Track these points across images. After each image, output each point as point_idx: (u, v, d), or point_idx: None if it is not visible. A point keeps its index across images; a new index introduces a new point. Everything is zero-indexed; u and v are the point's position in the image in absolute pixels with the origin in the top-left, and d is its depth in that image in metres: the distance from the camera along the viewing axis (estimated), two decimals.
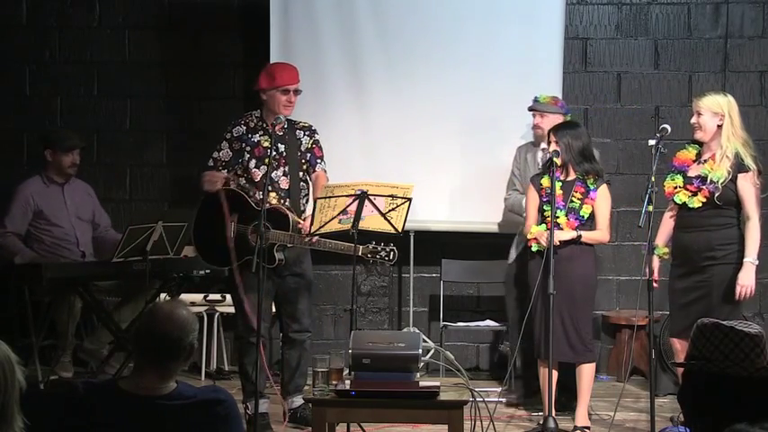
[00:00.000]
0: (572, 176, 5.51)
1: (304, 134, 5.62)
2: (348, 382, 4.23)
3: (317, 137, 5.66)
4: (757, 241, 5.15)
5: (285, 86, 5.51)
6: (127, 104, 7.37)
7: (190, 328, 2.81)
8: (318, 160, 5.61)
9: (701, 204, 5.18)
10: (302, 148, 5.58)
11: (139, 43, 7.36)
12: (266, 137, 5.50)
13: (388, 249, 5.21)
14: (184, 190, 7.34)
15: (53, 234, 6.32)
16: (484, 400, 4.45)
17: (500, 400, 6.00)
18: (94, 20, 7.37)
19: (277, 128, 5.48)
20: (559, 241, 5.36)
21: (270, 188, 5.36)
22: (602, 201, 5.49)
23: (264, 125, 5.54)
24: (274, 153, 5.43)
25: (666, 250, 5.39)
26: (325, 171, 5.61)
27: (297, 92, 5.57)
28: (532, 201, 5.56)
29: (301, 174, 5.57)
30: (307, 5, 6.89)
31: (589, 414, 5.58)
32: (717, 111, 5.20)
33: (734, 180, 5.14)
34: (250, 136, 5.55)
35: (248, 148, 5.53)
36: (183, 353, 2.80)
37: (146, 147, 7.38)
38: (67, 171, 6.40)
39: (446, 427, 4.17)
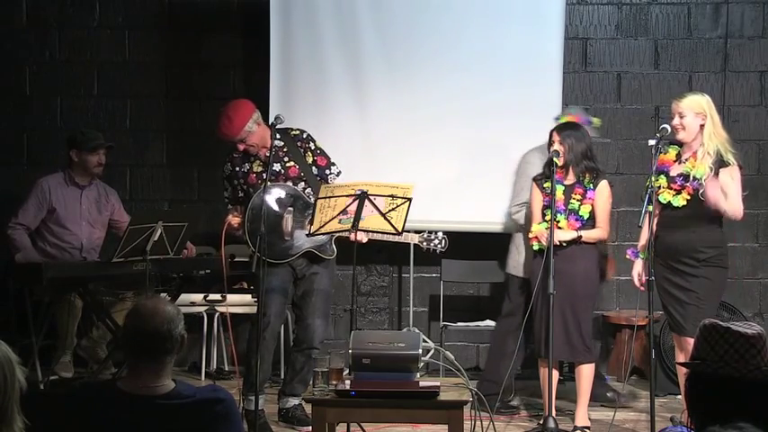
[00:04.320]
0: (572, 180, 5.51)
1: (296, 144, 5.60)
2: (348, 382, 4.23)
3: (313, 146, 5.62)
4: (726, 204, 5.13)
5: (224, 140, 5.55)
6: (127, 104, 7.38)
7: (177, 319, 2.83)
8: (327, 170, 5.61)
9: (685, 202, 5.19)
10: (308, 161, 5.60)
11: (139, 43, 7.36)
12: (257, 161, 5.54)
13: (440, 237, 5.51)
14: (184, 190, 7.36)
15: (60, 236, 6.31)
16: (484, 400, 4.45)
17: (500, 400, 6.00)
18: (94, 20, 7.37)
19: (263, 151, 5.48)
20: (560, 241, 5.37)
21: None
22: (600, 198, 5.49)
23: (252, 153, 5.56)
24: (268, 174, 5.40)
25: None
26: (339, 174, 5.62)
27: (242, 141, 5.49)
28: (537, 201, 5.56)
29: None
30: (307, 5, 6.89)
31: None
32: (699, 111, 5.21)
33: (716, 175, 5.15)
34: (237, 169, 5.58)
35: (242, 181, 5.57)
36: (175, 345, 2.81)
37: (146, 147, 7.38)
38: (93, 171, 6.38)
39: (446, 427, 4.17)
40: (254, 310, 6.07)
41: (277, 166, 5.53)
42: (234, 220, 5.55)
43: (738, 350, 2.40)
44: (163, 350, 2.79)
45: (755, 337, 2.41)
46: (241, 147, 5.52)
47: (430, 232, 5.52)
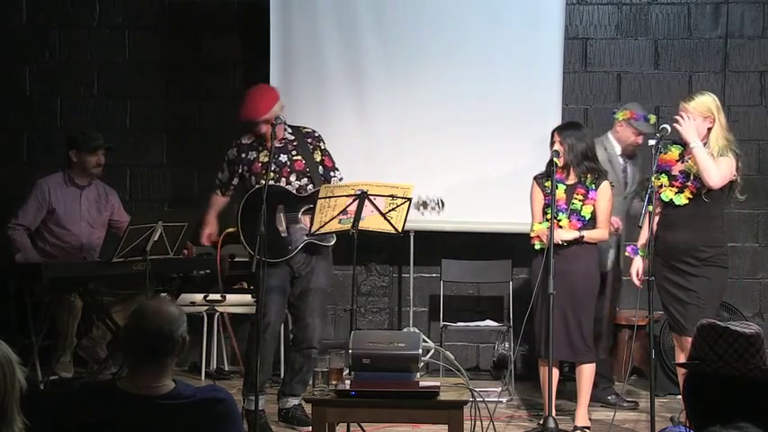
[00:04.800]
0: (573, 179, 5.51)
1: (306, 140, 5.64)
2: (348, 382, 4.24)
3: (323, 145, 5.67)
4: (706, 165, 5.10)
5: (251, 119, 5.52)
6: (127, 104, 7.37)
7: (179, 321, 2.82)
8: (332, 172, 5.64)
9: (687, 201, 5.18)
10: (317, 158, 5.62)
11: (139, 43, 7.36)
12: (265, 152, 5.54)
13: (436, 199, 5.43)
14: (184, 190, 7.36)
15: (60, 236, 6.31)
16: (484, 400, 4.45)
17: (500, 399, 6.00)
18: (94, 20, 7.37)
19: (275, 141, 5.50)
20: (562, 241, 5.37)
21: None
22: (601, 199, 5.50)
23: (262, 141, 5.56)
24: (274, 166, 5.47)
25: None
26: (341, 180, 5.64)
27: (267, 121, 5.49)
28: (537, 200, 5.56)
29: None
30: (307, 5, 6.89)
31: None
32: (707, 115, 5.17)
33: None
34: (243, 156, 5.59)
35: (246, 167, 5.58)
36: (176, 346, 2.80)
37: (146, 147, 7.37)
38: (92, 171, 6.38)
39: (446, 427, 4.17)
40: (254, 309, 6.07)
41: (284, 158, 5.56)
42: (207, 239, 5.61)
43: (738, 350, 2.40)
44: (163, 351, 2.79)
45: (754, 336, 2.42)
46: (264, 128, 5.48)
47: (425, 200, 5.49)
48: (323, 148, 5.66)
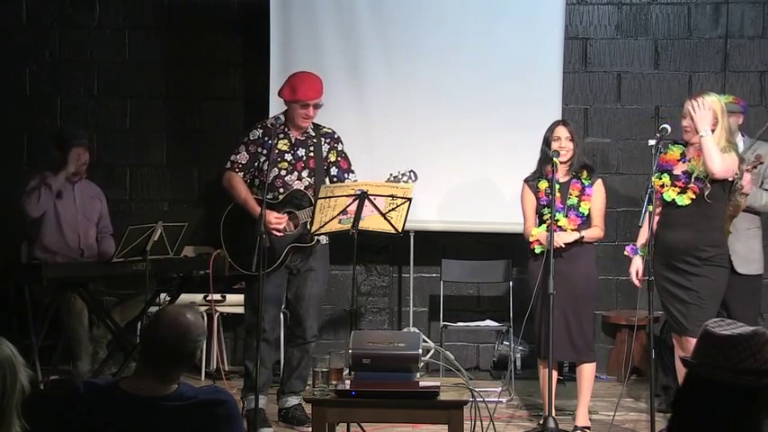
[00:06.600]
0: (565, 177, 5.52)
1: (325, 141, 5.66)
2: (348, 382, 4.24)
3: (340, 147, 5.69)
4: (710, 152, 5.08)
5: (305, 101, 5.54)
6: (127, 104, 7.38)
7: (191, 336, 2.79)
8: (347, 174, 5.65)
9: (689, 201, 5.18)
10: (323, 155, 5.64)
11: (139, 43, 7.36)
12: (285, 140, 5.56)
13: (407, 170, 5.45)
14: (184, 190, 7.36)
15: (58, 233, 6.32)
16: (484, 400, 4.45)
17: (500, 399, 6.01)
18: (94, 20, 7.37)
19: (296, 132, 5.55)
20: (564, 244, 5.37)
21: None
22: (598, 197, 5.52)
23: (286, 129, 5.57)
24: (290, 158, 5.52)
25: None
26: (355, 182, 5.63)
27: (317, 106, 5.58)
28: (529, 202, 5.57)
29: (327, 179, 5.62)
30: (306, 5, 6.89)
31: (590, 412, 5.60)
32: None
33: None
34: (266, 139, 5.57)
35: (264, 151, 5.56)
36: (181, 360, 2.79)
37: (146, 147, 7.38)
38: (78, 167, 6.38)
39: (446, 427, 4.18)
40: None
41: (302, 152, 5.60)
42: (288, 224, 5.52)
43: (710, 352, 2.40)
44: (168, 362, 2.77)
45: (736, 337, 2.40)
46: (311, 111, 5.56)
47: (396, 174, 5.48)
48: (339, 149, 5.68)
